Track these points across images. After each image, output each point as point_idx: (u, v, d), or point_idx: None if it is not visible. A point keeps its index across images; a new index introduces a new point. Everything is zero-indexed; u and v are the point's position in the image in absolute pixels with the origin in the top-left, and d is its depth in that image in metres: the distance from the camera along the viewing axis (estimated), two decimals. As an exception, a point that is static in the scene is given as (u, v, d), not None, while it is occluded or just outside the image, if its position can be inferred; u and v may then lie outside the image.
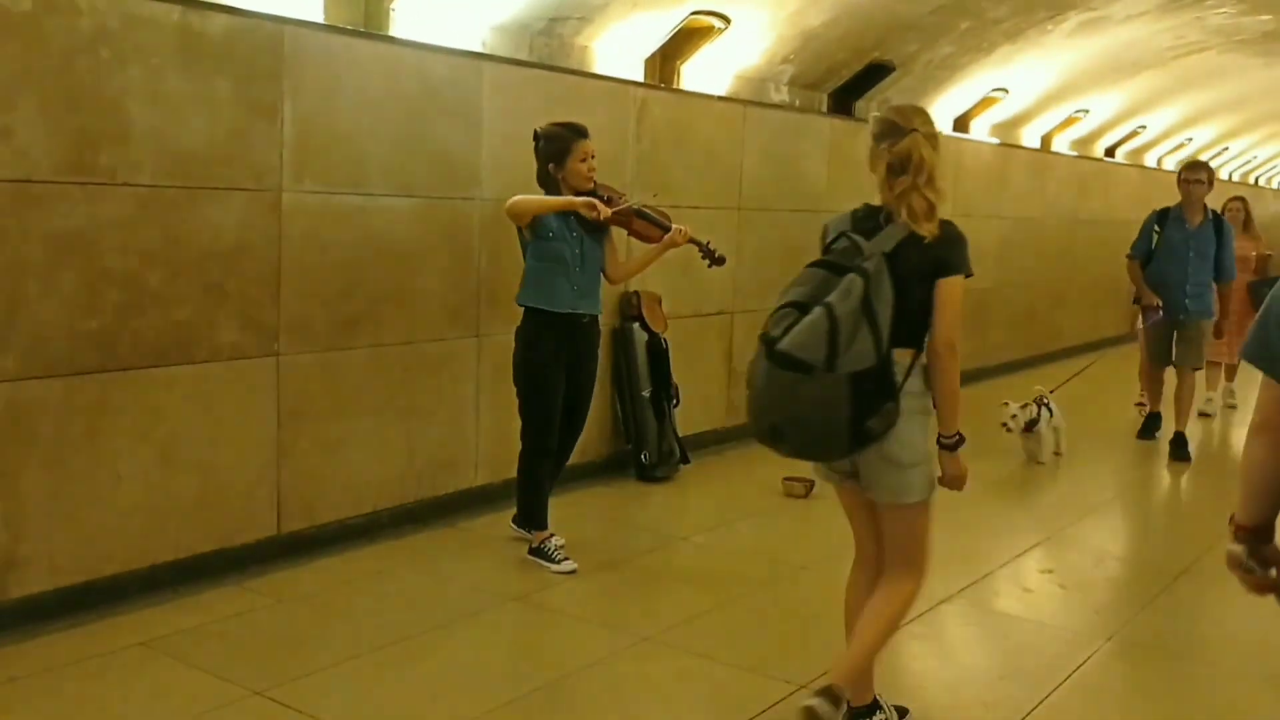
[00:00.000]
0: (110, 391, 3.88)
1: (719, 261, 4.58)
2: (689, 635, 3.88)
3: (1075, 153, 12.33)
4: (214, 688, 3.36)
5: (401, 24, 4.97)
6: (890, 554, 3.04)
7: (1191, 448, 6.91)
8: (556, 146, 4.37)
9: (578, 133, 4.40)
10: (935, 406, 2.95)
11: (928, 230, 2.84)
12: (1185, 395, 6.96)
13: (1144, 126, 13.21)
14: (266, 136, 4.27)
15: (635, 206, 4.39)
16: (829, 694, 2.89)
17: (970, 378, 9.46)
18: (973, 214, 9.50)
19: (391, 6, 4.96)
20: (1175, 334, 6.91)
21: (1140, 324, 7.24)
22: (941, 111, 9.53)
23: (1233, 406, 8.68)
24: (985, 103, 9.95)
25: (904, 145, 2.87)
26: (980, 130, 10.23)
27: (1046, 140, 11.81)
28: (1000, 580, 4.68)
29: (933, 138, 2.90)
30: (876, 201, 2.99)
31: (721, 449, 6.67)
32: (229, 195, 4.17)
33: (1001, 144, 10.38)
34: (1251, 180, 19.37)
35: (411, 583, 4.34)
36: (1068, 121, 11.76)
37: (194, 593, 4.08)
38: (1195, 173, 6.97)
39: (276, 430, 4.42)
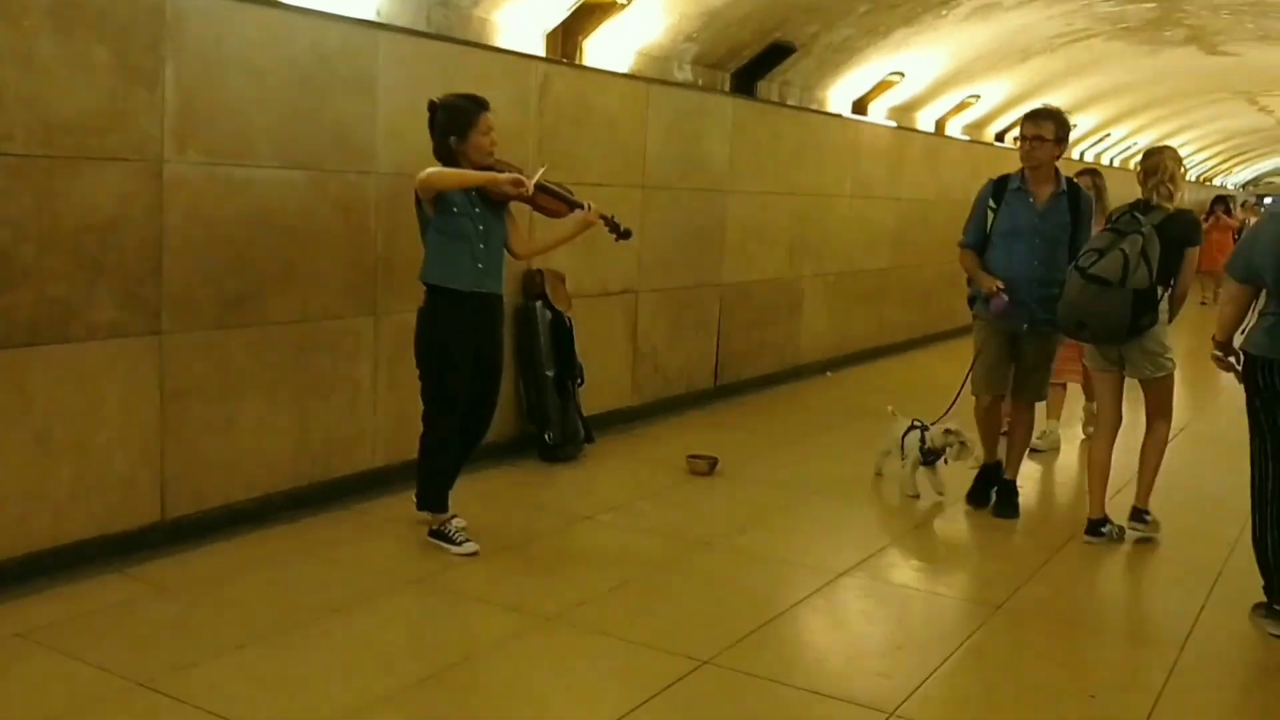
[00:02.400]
0: (-22, 372, 3.67)
1: (625, 235, 4.53)
2: (592, 614, 3.86)
3: (968, 137, 12.63)
4: (94, 679, 3.22)
5: (291, -10, 4.78)
6: (1153, 410, 4.79)
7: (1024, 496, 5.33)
8: (458, 119, 4.23)
9: (480, 105, 4.27)
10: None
11: (1171, 207, 4.56)
12: (1021, 433, 5.24)
13: (1033, 113, 13.59)
14: (147, 105, 4.08)
15: (539, 181, 4.30)
16: (1139, 515, 4.81)
17: (867, 356, 9.67)
18: (871, 196, 9.68)
19: (281, -29, 4.77)
20: (1016, 352, 5.09)
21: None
22: (840, 94, 9.66)
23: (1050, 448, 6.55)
24: (883, 86, 10.11)
25: (1154, 160, 4.64)
26: (878, 113, 10.39)
27: (941, 125, 12.07)
28: (895, 553, 4.77)
29: (1175, 159, 4.66)
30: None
31: (627, 428, 6.66)
32: (106, 165, 3.98)
33: (898, 127, 10.57)
34: (1131, 166, 20.14)
35: (305, 568, 4.22)
36: (961, 106, 12.03)
37: (73, 581, 3.90)
38: (1037, 125, 4.87)
39: (160, 411, 4.24)
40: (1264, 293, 3.87)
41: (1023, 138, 4.93)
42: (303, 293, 4.74)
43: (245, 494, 4.60)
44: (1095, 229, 5.54)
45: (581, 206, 4.40)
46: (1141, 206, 4.62)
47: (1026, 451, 5.41)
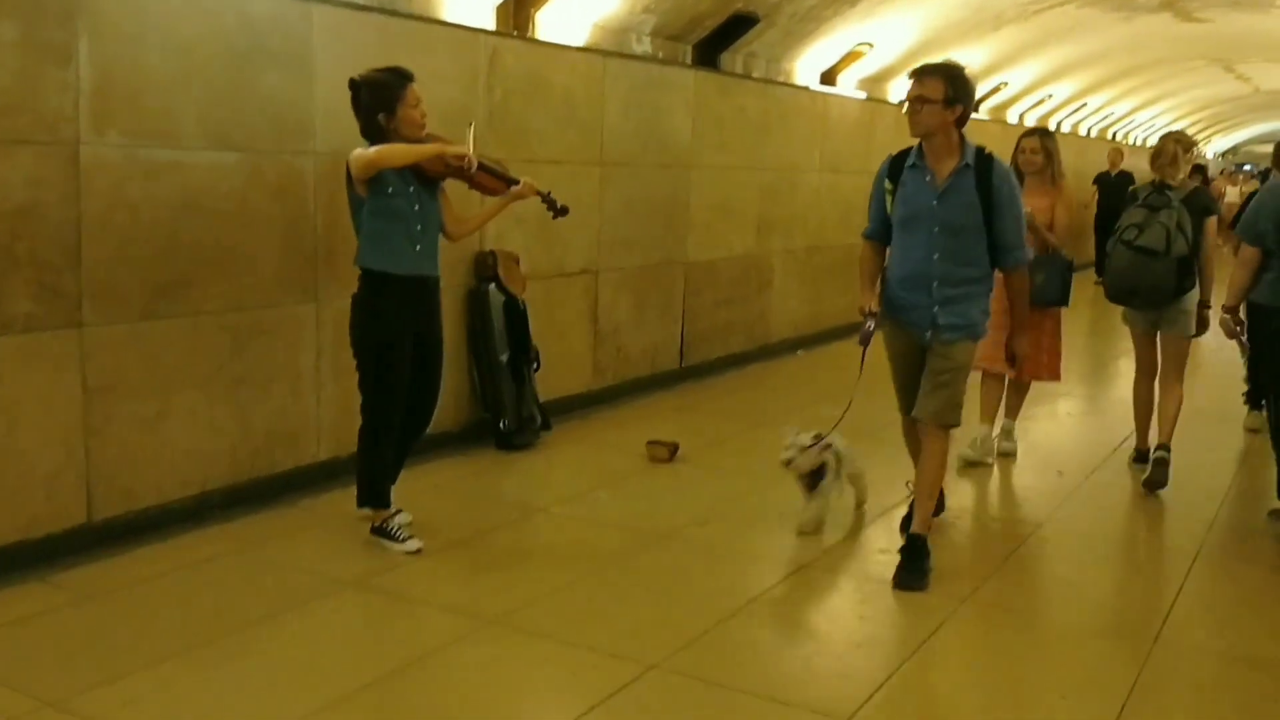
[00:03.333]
0: (-124, 372, 3.44)
1: (562, 212, 4.40)
2: (539, 616, 3.68)
3: (942, 108, 12.41)
4: (1, 699, 3.01)
5: (218, -40, 4.52)
6: (1168, 368, 5.29)
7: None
8: (384, 94, 4.01)
9: (404, 77, 4.05)
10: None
11: (1181, 185, 5.16)
12: (930, 467, 4.11)
13: (1005, 83, 13.40)
14: (59, 83, 3.83)
15: (478, 159, 4.12)
16: (1163, 448, 5.22)
17: (841, 333, 9.48)
18: (840, 169, 9.48)
19: (207, -59, 4.52)
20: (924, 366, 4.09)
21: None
22: (808, 66, 9.43)
23: (1010, 454, 5.74)
24: (851, 56, 9.88)
25: (1159, 145, 5.27)
26: (848, 85, 10.17)
27: (914, 95, 11.84)
28: (858, 544, 4.60)
29: (1179, 142, 5.24)
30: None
31: (588, 413, 6.47)
32: (15, 149, 3.74)
33: (869, 99, 10.35)
34: (1109, 135, 19.99)
35: (239, 570, 4.02)
36: (934, 76, 11.80)
37: (-10, 591, 3.69)
38: (920, 83, 3.92)
39: (82, 408, 4.02)
40: (1267, 254, 4.59)
41: (907, 100, 3.99)
42: (238, 280, 4.51)
43: (180, 492, 4.39)
44: (1043, 197, 5.35)
45: (516, 183, 4.24)
46: (1161, 184, 5.14)
47: (938, 492, 4.22)
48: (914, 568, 4.02)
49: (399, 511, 4.28)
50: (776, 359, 8.51)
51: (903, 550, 4.09)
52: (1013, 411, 5.81)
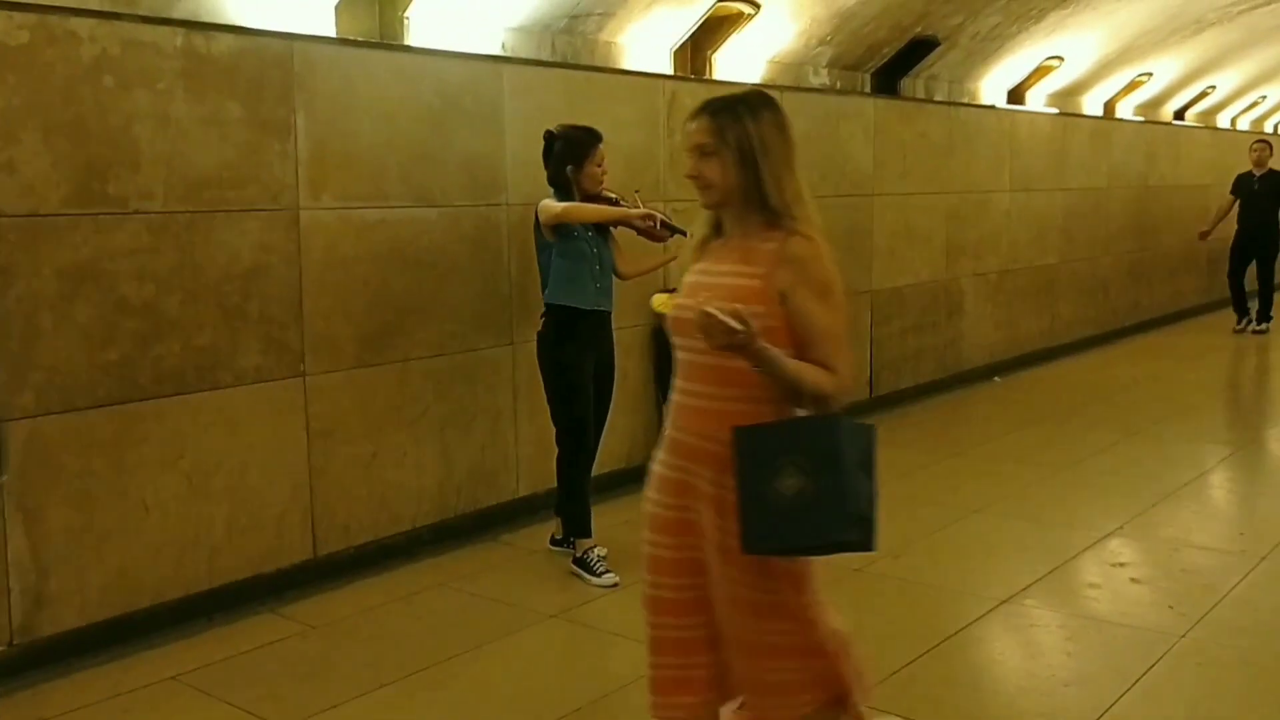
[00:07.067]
0: (133, 422, 3.83)
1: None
2: (732, 648, 3.70)
3: (1141, 118, 11.83)
4: (241, 721, 3.29)
5: (417, 33, 4.87)
6: None
7: None
8: (576, 150, 4.36)
9: (596, 137, 4.41)
10: None
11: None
12: None
13: (1213, 87, 12.64)
14: (280, 154, 4.20)
15: (661, 215, 4.44)
16: None
17: (1041, 358, 9.14)
18: (1032, 188, 9.16)
19: (405, 15, 4.86)
20: None
21: None
22: (994, 84, 9.21)
23: None
24: (1040, 72, 9.58)
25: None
26: (1037, 101, 9.85)
27: (1110, 107, 11.35)
28: (1066, 577, 4.41)
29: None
30: None
31: (775, 446, 6.46)
32: (245, 216, 4.11)
33: (1060, 114, 9.98)
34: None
35: (449, 602, 4.24)
36: (1131, 86, 11.28)
37: (229, 622, 4.03)
38: None
39: (307, 452, 4.35)
40: None
41: None
42: (439, 327, 4.79)
43: (392, 529, 4.67)
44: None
45: (683, 232, 4.41)
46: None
47: None
48: None
49: (597, 545, 4.43)
50: (971, 386, 8.26)
51: None
52: None
